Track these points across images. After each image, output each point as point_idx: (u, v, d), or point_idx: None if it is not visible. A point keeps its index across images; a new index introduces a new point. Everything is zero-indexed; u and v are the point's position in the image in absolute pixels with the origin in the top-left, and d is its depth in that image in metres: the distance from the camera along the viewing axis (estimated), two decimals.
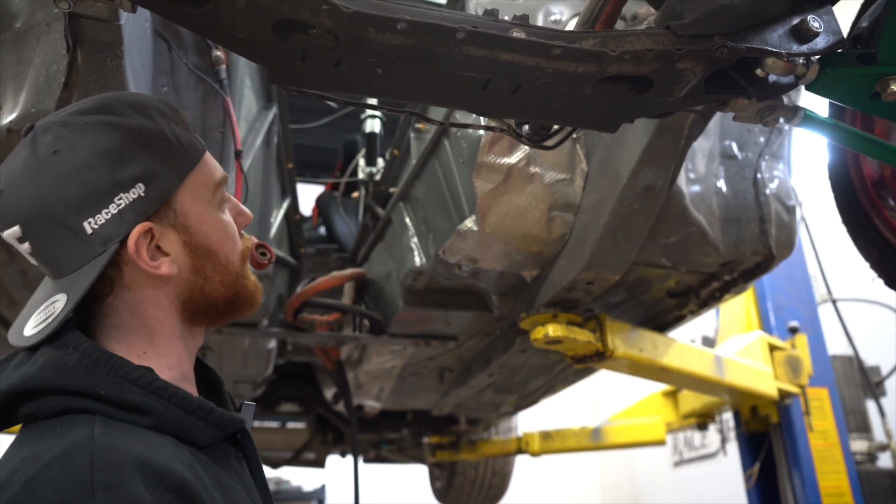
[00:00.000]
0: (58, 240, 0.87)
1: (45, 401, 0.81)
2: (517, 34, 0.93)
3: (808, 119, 1.14)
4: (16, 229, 0.87)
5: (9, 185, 0.87)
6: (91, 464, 0.72)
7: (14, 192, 0.87)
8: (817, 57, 1.04)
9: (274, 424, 4.12)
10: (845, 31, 1.06)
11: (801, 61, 1.02)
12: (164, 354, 0.92)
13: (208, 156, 0.98)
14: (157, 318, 0.92)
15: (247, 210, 1.05)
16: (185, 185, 0.93)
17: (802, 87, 1.10)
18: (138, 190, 0.87)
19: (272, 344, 2.66)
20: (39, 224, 0.86)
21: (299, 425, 4.06)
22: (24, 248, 0.88)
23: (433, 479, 4.64)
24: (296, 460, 4.19)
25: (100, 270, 0.86)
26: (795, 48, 1.00)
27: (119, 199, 0.87)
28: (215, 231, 0.96)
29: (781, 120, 1.13)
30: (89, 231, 0.86)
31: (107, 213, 0.86)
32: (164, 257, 0.90)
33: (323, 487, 6.97)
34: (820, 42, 1.01)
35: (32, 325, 0.87)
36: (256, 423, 3.90)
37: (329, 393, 3.38)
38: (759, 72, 1.03)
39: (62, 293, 0.87)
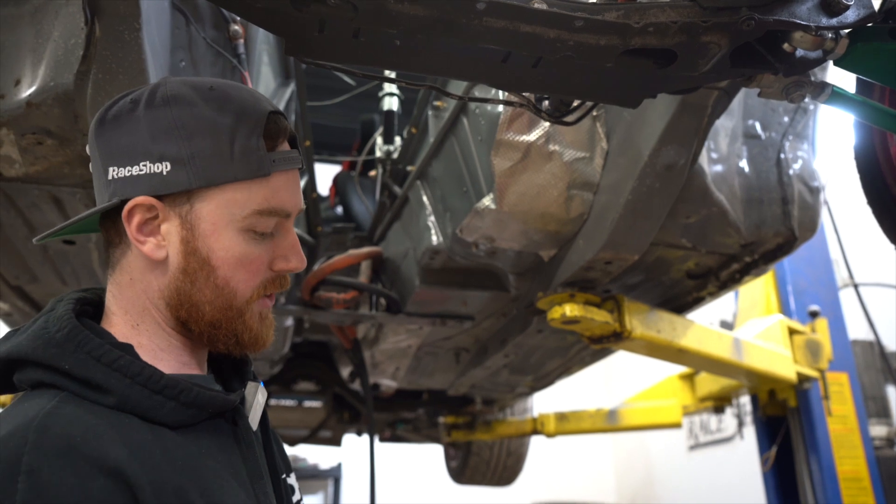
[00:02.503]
0: (95, 170, 0.92)
1: (26, 371, 0.84)
2: (538, 5, 0.91)
3: (836, 96, 1.11)
4: (88, 146, 0.94)
5: (101, 111, 0.93)
6: (23, 446, 0.73)
7: (97, 117, 0.93)
8: (847, 31, 1.01)
9: (291, 403, 4.15)
10: (876, 4, 1.03)
11: (829, 35, 1.00)
12: (156, 335, 0.92)
13: (271, 183, 0.92)
14: (148, 295, 0.92)
15: (299, 259, 0.97)
16: (217, 191, 0.90)
17: (830, 63, 1.08)
18: (163, 166, 0.88)
19: (289, 322, 2.67)
20: (91, 150, 0.92)
21: (316, 404, 4.09)
22: (91, 166, 0.95)
23: (448, 458, 4.67)
24: (312, 438, 4.22)
25: (92, 213, 0.90)
26: (825, 21, 0.97)
27: (143, 165, 0.88)
28: (223, 249, 0.91)
29: (808, 97, 1.11)
30: (109, 177, 0.89)
31: (128, 171, 0.88)
32: (155, 239, 0.90)
33: (339, 466, 7.05)
34: (850, 15, 0.98)
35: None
36: (273, 402, 3.93)
37: (345, 372, 3.39)
38: (786, 46, 1.01)
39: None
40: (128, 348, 0.86)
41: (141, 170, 0.88)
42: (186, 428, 0.87)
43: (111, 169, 0.89)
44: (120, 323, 0.91)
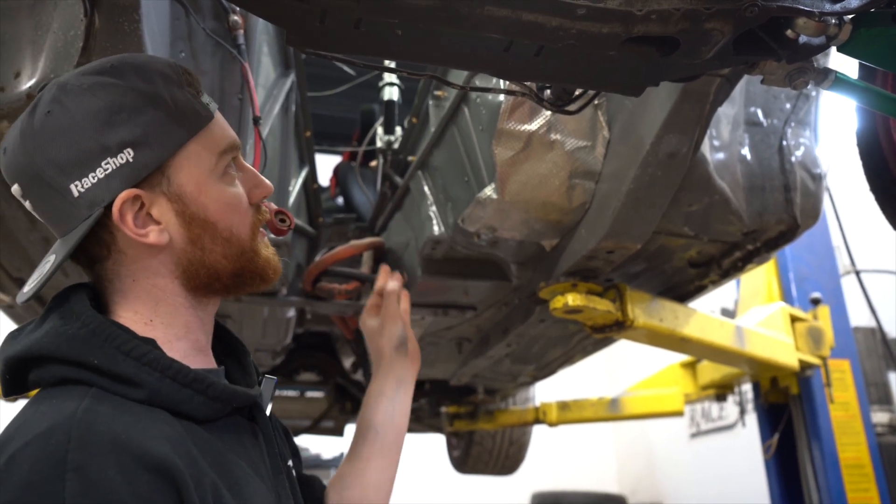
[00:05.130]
0: (49, 200, 0.86)
1: (47, 368, 0.82)
2: None
3: (839, 82, 1.11)
4: (16, 187, 0.88)
5: (10, 143, 0.88)
6: (67, 443, 0.72)
7: (11, 153, 0.87)
8: (850, 17, 1.00)
9: (293, 393, 4.16)
10: None
11: (833, 21, 0.99)
12: (171, 324, 0.92)
13: (216, 124, 0.95)
14: (158, 286, 0.91)
15: (266, 181, 1.01)
16: (183, 153, 0.90)
17: (833, 49, 1.07)
18: (126, 155, 0.85)
19: (291, 313, 2.67)
20: (32, 184, 0.86)
21: (318, 394, 4.10)
22: (28, 205, 0.89)
23: (451, 448, 4.68)
24: (314, 429, 4.24)
25: (82, 234, 0.85)
26: (828, 7, 0.97)
27: (106, 164, 0.85)
28: (215, 202, 0.92)
29: (811, 83, 1.11)
30: (76, 194, 0.85)
31: (93, 177, 0.85)
32: (154, 225, 0.89)
33: (341, 455, 7.06)
34: (853, 1, 0.98)
35: (29, 283, 0.88)
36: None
37: (347, 362, 3.40)
38: (789, 32, 1.00)
39: (54, 254, 0.88)
40: (152, 342, 0.85)
41: (106, 169, 0.85)
42: (210, 423, 0.86)
43: (73, 186, 0.84)
44: (132, 324, 0.89)
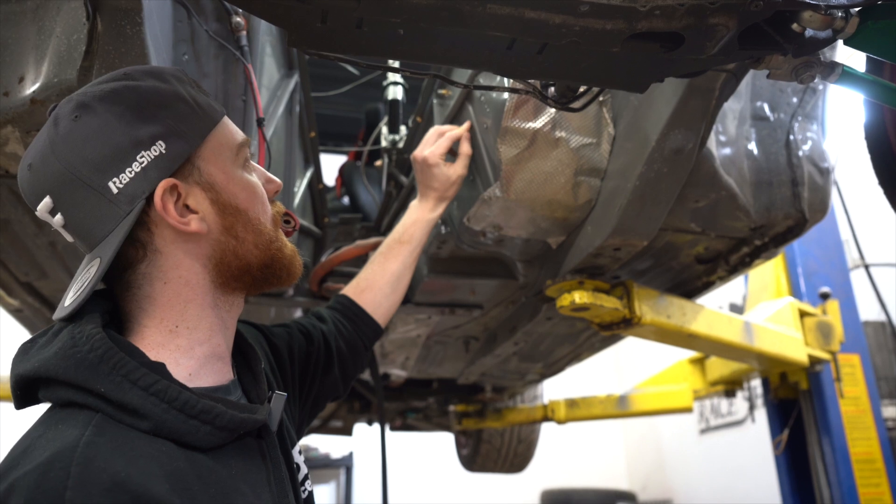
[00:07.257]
0: (86, 204, 0.87)
1: (54, 390, 0.82)
2: None
3: (846, 75, 1.10)
4: (47, 200, 0.88)
5: (35, 158, 0.88)
6: (66, 479, 0.71)
7: (40, 164, 0.87)
8: (857, 9, 0.99)
9: None
10: None
11: (839, 14, 0.98)
12: (196, 328, 0.92)
13: (227, 119, 0.98)
14: (190, 285, 0.91)
15: (275, 178, 1.04)
16: (207, 144, 0.93)
17: (839, 42, 1.06)
18: (159, 147, 0.87)
19: (298, 313, 2.67)
20: (67, 190, 0.87)
21: None
22: (57, 220, 0.89)
23: (459, 446, 4.68)
24: (323, 428, 4.24)
25: (128, 229, 0.86)
26: (834, 0, 0.96)
27: (141, 157, 0.87)
28: (242, 190, 0.95)
29: (817, 77, 1.10)
30: (115, 191, 0.86)
31: (130, 172, 0.86)
32: (192, 215, 0.90)
33: (350, 455, 7.09)
34: None
35: (71, 295, 0.88)
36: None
37: None
38: (795, 26, 0.99)
39: (97, 258, 0.88)
40: (160, 368, 0.84)
41: (141, 162, 0.87)
42: (217, 449, 0.85)
43: (111, 183, 0.86)
44: (154, 333, 0.89)
